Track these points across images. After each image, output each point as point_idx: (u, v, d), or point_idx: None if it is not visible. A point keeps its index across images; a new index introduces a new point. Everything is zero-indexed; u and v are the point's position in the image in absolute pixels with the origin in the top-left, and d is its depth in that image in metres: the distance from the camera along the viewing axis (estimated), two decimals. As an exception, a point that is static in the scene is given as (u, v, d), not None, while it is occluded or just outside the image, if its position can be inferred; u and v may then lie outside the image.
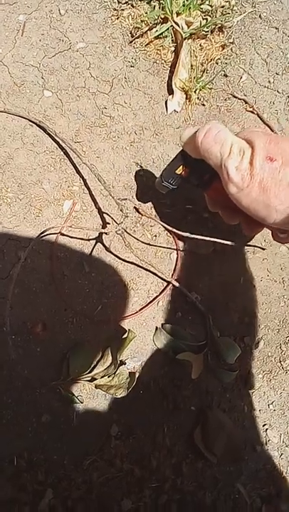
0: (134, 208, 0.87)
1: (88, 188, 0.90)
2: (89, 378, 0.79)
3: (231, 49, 0.95)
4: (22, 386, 0.80)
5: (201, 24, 0.92)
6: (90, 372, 0.79)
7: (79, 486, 0.75)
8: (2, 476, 0.74)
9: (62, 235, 0.87)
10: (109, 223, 0.89)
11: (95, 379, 0.78)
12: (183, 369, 0.82)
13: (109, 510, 0.74)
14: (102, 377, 0.78)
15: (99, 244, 0.88)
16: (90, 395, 0.80)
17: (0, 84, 0.91)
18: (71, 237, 0.87)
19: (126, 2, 0.99)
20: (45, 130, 0.90)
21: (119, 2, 0.99)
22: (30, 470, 0.76)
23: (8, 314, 0.76)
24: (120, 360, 0.80)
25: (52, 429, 0.78)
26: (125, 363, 0.81)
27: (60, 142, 0.89)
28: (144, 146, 0.93)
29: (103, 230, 0.83)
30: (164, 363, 0.84)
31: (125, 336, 0.77)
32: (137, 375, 0.76)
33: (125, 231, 0.79)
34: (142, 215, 0.87)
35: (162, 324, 0.85)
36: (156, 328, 0.84)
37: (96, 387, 0.79)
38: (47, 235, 0.86)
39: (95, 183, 0.90)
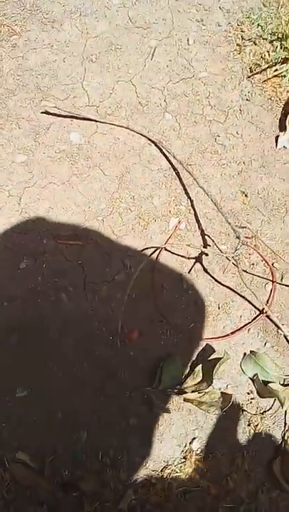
0: (244, 237, 0.89)
1: (194, 209, 0.94)
2: (178, 391, 0.82)
3: None
4: (116, 387, 0.84)
5: None
6: (180, 385, 0.82)
7: (158, 492, 0.78)
8: (89, 469, 0.78)
9: (166, 250, 0.91)
10: (209, 245, 0.93)
11: (185, 392, 0.82)
12: (268, 398, 0.84)
13: (186, 522, 0.76)
14: (192, 391, 0.81)
15: (198, 264, 0.92)
16: (177, 407, 0.83)
17: (126, 102, 0.97)
18: (173, 254, 0.92)
19: (249, 39, 1.04)
20: (161, 150, 0.95)
21: (243, 38, 1.04)
22: (114, 468, 0.79)
23: (119, 318, 0.81)
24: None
25: (137, 432, 0.82)
26: (212, 383, 0.84)
27: (175, 164, 0.94)
28: (250, 176, 0.97)
29: (204, 250, 0.87)
30: (249, 389, 0.86)
31: (222, 357, 0.80)
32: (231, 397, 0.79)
33: (232, 258, 0.83)
34: (251, 247, 0.90)
35: (251, 351, 0.87)
36: (245, 354, 0.87)
37: (184, 400, 0.82)
38: (152, 247, 0.90)
39: (201, 205, 0.94)
